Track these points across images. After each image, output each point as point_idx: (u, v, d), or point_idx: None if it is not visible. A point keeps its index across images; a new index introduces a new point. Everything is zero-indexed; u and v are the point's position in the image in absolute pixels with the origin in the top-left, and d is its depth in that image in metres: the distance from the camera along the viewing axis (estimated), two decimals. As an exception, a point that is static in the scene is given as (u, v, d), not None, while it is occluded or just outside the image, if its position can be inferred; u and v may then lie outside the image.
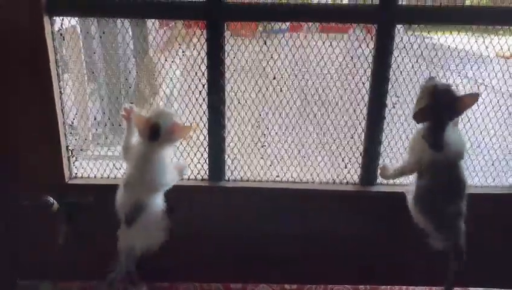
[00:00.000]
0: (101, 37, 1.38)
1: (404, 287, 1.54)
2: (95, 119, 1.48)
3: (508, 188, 1.43)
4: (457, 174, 1.21)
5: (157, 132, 1.17)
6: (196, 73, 1.32)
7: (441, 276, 1.49)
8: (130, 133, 1.23)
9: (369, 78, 1.32)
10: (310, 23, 1.33)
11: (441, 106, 1.15)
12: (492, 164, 1.44)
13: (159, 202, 1.24)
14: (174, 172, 1.25)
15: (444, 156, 1.18)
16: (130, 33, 1.42)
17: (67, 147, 1.37)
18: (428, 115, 1.16)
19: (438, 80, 1.21)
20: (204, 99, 1.34)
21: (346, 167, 1.44)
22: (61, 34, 1.30)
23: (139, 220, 1.20)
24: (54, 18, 1.26)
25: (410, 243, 1.37)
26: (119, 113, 1.43)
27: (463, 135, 1.25)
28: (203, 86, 1.33)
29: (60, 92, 1.31)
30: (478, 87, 1.38)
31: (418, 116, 1.17)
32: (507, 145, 1.42)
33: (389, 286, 1.54)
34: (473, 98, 1.15)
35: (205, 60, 1.30)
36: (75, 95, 1.41)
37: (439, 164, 1.18)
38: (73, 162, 1.41)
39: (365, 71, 1.33)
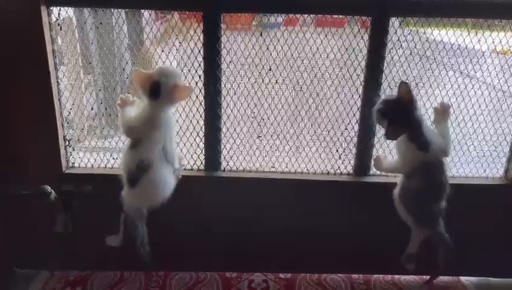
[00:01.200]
0: (98, 28, 1.39)
1: (397, 276, 1.56)
2: (92, 109, 1.48)
3: (499, 179, 1.46)
4: (443, 174, 1.25)
5: (157, 90, 1.17)
6: (193, 64, 1.33)
7: (433, 265, 1.53)
8: (125, 114, 1.24)
9: (363, 70, 1.34)
10: (305, 17, 1.34)
11: (396, 114, 1.19)
12: (484, 156, 1.46)
13: (162, 160, 1.24)
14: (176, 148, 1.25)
15: (432, 155, 1.22)
16: (126, 24, 1.42)
17: (64, 137, 1.38)
18: (395, 129, 1.20)
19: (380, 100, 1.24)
20: (200, 90, 1.35)
21: (340, 158, 1.46)
22: (58, 24, 1.31)
23: (142, 180, 1.20)
24: (51, 8, 1.26)
25: (403, 233, 1.40)
26: (115, 105, 1.44)
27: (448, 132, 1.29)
28: (200, 76, 1.34)
29: (57, 82, 1.32)
30: (471, 81, 1.41)
31: (390, 136, 1.22)
32: (498, 138, 1.45)
33: (381, 275, 1.56)
34: (407, 88, 1.18)
35: (202, 51, 1.31)
36: (71, 87, 1.42)
37: (429, 164, 1.22)
38: (71, 153, 1.42)
39: (359, 63, 1.35)
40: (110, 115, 1.50)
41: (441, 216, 1.28)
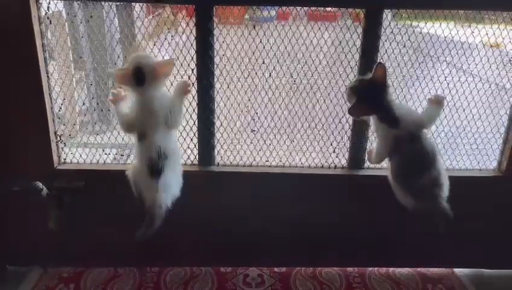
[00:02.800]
0: (88, 21, 1.37)
1: (391, 269, 1.57)
2: (83, 104, 1.47)
3: (492, 171, 1.47)
4: (421, 144, 1.23)
5: (141, 75, 1.15)
6: (185, 58, 1.32)
7: (427, 258, 1.54)
8: (120, 112, 1.23)
9: (357, 63, 1.33)
10: (298, 10, 1.33)
11: (365, 93, 1.21)
12: (477, 148, 1.47)
13: (176, 145, 1.25)
14: (178, 101, 1.23)
15: (404, 129, 1.21)
16: (117, 18, 1.40)
17: (55, 132, 1.36)
18: (360, 108, 1.21)
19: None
20: (193, 84, 1.33)
21: (334, 151, 1.45)
22: (47, 18, 1.29)
23: (166, 168, 1.18)
24: (40, 1, 1.24)
25: (397, 225, 1.40)
26: (107, 100, 1.42)
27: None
28: (192, 70, 1.33)
29: (48, 76, 1.30)
30: (464, 74, 1.41)
31: (352, 113, 1.23)
32: (491, 130, 1.45)
33: (376, 268, 1.57)
34: (382, 70, 1.19)
35: (194, 45, 1.30)
36: (62, 81, 1.40)
37: (402, 138, 1.21)
38: (62, 148, 1.40)
39: (353, 56, 1.34)
40: (102, 110, 1.49)
41: (437, 187, 1.25)
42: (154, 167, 1.18)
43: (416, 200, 1.27)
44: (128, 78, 1.16)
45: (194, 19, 1.27)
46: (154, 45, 1.35)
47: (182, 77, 1.34)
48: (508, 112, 1.41)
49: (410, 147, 1.23)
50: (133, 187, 1.24)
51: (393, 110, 1.21)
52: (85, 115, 1.64)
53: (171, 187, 1.22)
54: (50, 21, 1.30)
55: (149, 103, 1.18)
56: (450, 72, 1.40)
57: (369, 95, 1.21)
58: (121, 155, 1.47)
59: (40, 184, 1.27)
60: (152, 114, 1.18)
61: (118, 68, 1.18)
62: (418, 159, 1.24)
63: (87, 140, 1.64)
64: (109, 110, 1.49)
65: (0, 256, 1.45)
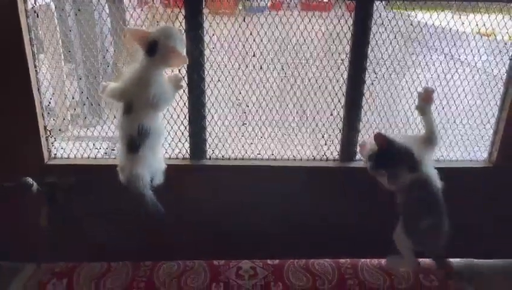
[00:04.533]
0: (76, 14, 1.35)
1: (383, 260, 1.58)
2: (73, 98, 1.45)
3: (483, 162, 1.47)
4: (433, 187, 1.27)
5: (155, 47, 1.14)
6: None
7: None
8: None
9: (348, 55, 1.33)
10: (290, 1, 1.32)
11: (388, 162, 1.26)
12: (468, 139, 1.47)
13: (161, 124, 1.24)
14: (170, 89, 1.22)
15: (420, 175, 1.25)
16: (107, 10, 1.39)
17: (45, 127, 1.35)
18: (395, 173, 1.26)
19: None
20: (183, 77, 1.32)
21: (326, 144, 1.45)
22: (35, 11, 1.27)
23: (144, 145, 1.19)
24: (27, -6, 1.22)
25: (389, 217, 1.41)
26: (97, 93, 1.41)
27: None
28: (182, 64, 1.31)
29: (36, 71, 1.29)
30: (455, 64, 1.41)
31: (395, 179, 1.26)
32: (482, 120, 1.46)
33: (368, 259, 1.58)
34: (382, 138, 1.24)
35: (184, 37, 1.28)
36: (52, 75, 1.39)
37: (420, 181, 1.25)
38: (52, 143, 1.39)
39: (344, 48, 1.33)
40: (92, 104, 1.47)
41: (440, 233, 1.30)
42: (133, 142, 1.18)
43: (419, 245, 1.32)
44: (144, 42, 1.15)
45: (183, 11, 1.26)
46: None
47: (172, 70, 1.33)
48: (498, 103, 1.42)
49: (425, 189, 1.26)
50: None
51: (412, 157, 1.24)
52: (75, 109, 1.63)
53: (149, 164, 1.22)
54: (37, 14, 1.28)
55: (147, 77, 1.16)
56: (441, 62, 1.40)
57: (391, 160, 1.24)
58: (112, 149, 1.46)
59: (30, 180, 1.26)
60: (145, 88, 1.16)
61: (137, 28, 1.17)
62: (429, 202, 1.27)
63: (78, 134, 1.63)
64: (99, 105, 1.48)
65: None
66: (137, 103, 1.17)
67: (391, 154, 1.24)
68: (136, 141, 1.18)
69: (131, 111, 1.17)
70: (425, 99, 1.29)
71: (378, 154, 1.25)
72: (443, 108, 1.42)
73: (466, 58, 1.40)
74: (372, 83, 1.38)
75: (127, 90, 1.18)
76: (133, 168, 1.20)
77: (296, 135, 1.46)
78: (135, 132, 1.17)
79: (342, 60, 1.34)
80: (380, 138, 1.23)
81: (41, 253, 1.47)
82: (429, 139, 1.28)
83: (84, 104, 1.56)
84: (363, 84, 1.36)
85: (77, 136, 1.60)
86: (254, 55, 1.34)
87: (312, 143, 1.46)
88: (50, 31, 1.41)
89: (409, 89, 1.40)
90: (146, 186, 1.23)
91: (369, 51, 1.32)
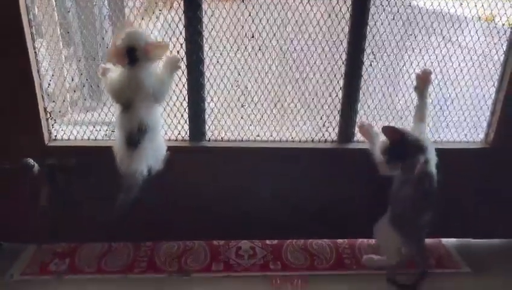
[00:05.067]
0: (74, -5, 1.35)
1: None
2: (72, 80, 1.45)
3: (480, 142, 1.49)
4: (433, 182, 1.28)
5: (134, 54, 1.16)
6: (174, 32, 1.31)
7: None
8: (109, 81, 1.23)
9: (346, 36, 1.33)
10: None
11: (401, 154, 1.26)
12: (465, 120, 1.48)
13: (159, 116, 1.26)
14: (167, 78, 1.24)
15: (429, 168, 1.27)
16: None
17: (45, 108, 1.36)
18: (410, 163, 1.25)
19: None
20: (182, 59, 1.33)
21: (324, 125, 1.46)
22: (33, -8, 1.26)
23: (144, 140, 1.21)
24: (25, -25, 1.22)
25: (386, 198, 1.43)
26: (97, 76, 1.41)
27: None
28: (181, 45, 1.32)
29: (35, 52, 1.29)
30: (453, 46, 1.41)
31: (411, 169, 1.24)
32: (479, 102, 1.47)
33: (366, 240, 1.60)
34: (390, 130, 1.25)
35: (183, 19, 1.28)
36: (50, 57, 1.38)
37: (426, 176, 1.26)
38: (53, 125, 1.40)
39: (343, 29, 1.34)
40: (91, 86, 1.47)
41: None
42: (133, 138, 1.20)
43: (409, 243, 1.35)
44: (121, 56, 1.16)
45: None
46: (142, 19, 1.33)
47: (171, 52, 1.33)
48: (495, 84, 1.43)
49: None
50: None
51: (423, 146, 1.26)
52: (75, 91, 1.62)
53: (147, 158, 1.25)
54: (35, -5, 1.28)
55: (139, 80, 1.18)
56: (439, 43, 1.41)
57: (404, 152, 1.25)
58: (112, 131, 1.47)
59: (31, 161, 1.28)
60: (140, 89, 1.19)
61: (108, 52, 1.19)
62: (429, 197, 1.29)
63: (78, 117, 1.63)
64: (98, 86, 1.47)
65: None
66: (135, 100, 1.19)
67: (404, 146, 1.24)
68: (135, 136, 1.20)
69: (130, 108, 1.20)
70: (423, 81, 1.30)
71: (391, 147, 1.25)
72: (440, 89, 1.43)
73: (465, 42, 1.40)
74: (371, 64, 1.38)
75: (124, 92, 1.20)
76: (132, 163, 1.23)
77: (295, 117, 1.47)
78: (135, 129, 1.20)
79: (340, 41, 1.34)
80: (388, 131, 1.24)
81: (42, 234, 1.49)
82: (420, 119, 1.30)
83: (83, 86, 1.55)
84: (362, 65, 1.36)
85: (77, 119, 1.60)
86: (253, 37, 1.34)
87: (311, 124, 1.47)
88: (48, 13, 1.40)
89: (407, 70, 1.41)
90: (139, 182, 1.26)
91: (367, 32, 1.32)
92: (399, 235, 1.33)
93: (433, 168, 1.27)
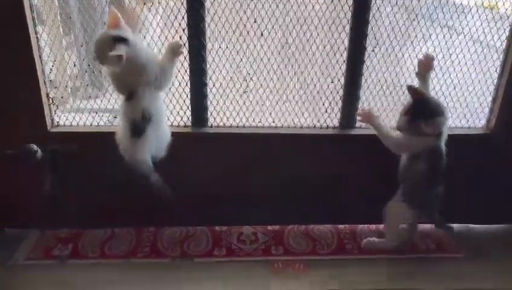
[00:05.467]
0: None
1: (382, 225, 1.61)
2: (74, 65, 1.45)
3: (481, 129, 1.49)
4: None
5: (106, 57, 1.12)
6: (176, 17, 1.30)
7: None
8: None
9: (349, 21, 1.33)
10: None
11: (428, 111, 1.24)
12: (467, 106, 1.49)
13: (162, 104, 1.27)
14: (168, 64, 1.22)
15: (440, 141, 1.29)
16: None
17: (47, 94, 1.36)
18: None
19: None
20: (184, 44, 1.32)
21: (326, 111, 1.46)
22: (34, -23, 1.26)
23: (148, 129, 1.21)
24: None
25: (387, 183, 1.44)
26: (95, 65, 1.41)
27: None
28: (183, 30, 1.31)
29: (37, 37, 1.29)
30: (455, 32, 1.41)
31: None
32: (481, 88, 1.47)
33: (367, 225, 1.61)
34: (414, 89, 1.25)
35: (185, 4, 1.28)
36: (52, 43, 1.38)
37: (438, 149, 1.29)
38: (55, 111, 1.40)
39: (346, 14, 1.33)
40: (93, 72, 1.47)
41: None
42: (137, 127, 1.20)
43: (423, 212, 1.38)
44: (109, 57, 1.11)
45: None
46: (144, 4, 1.33)
47: (173, 37, 1.33)
48: (497, 70, 1.43)
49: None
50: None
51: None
52: (76, 77, 1.62)
53: (152, 144, 1.25)
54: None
55: (133, 62, 1.15)
56: (442, 29, 1.40)
57: (420, 112, 1.24)
58: (114, 117, 1.47)
59: (34, 146, 1.28)
60: (144, 73, 1.18)
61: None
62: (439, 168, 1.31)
63: (79, 105, 1.63)
64: (100, 72, 1.47)
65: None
66: (138, 89, 1.19)
67: (427, 104, 1.24)
68: (139, 125, 1.20)
69: (133, 97, 1.19)
70: (425, 66, 1.30)
71: (415, 105, 1.24)
72: (443, 76, 1.43)
73: (466, 27, 1.40)
74: (373, 50, 1.38)
75: (127, 82, 1.19)
76: (136, 153, 1.24)
77: (297, 103, 1.47)
78: (139, 117, 1.20)
79: (343, 26, 1.34)
80: (413, 90, 1.24)
81: (45, 220, 1.50)
82: None
83: (85, 72, 1.55)
84: (364, 51, 1.36)
85: (78, 108, 1.60)
86: (255, 22, 1.33)
87: (313, 111, 1.47)
88: (48, 1, 1.39)
89: (409, 56, 1.40)
90: (151, 169, 1.27)
91: (370, 17, 1.31)
92: (414, 210, 1.36)
93: (443, 142, 1.30)
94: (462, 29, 1.40)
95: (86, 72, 1.49)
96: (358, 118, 1.39)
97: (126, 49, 1.12)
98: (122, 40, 1.13)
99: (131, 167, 1.26)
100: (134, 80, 1.19)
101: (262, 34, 1.36)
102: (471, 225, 1.63)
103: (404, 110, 1.26)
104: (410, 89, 1.24)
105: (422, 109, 1.23)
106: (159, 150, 1.29)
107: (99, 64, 1.19)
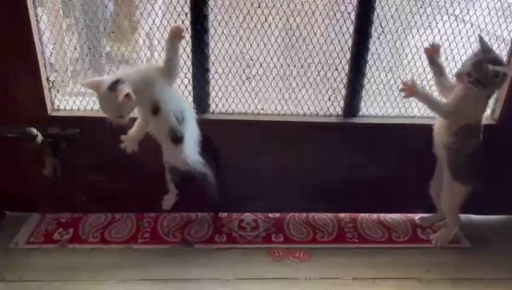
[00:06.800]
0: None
1: (382, 214, 1.61)
2: (75, 49, 1.43)
3: (486, 119, 1.47)
4: None
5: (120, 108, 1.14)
6: (178, 1, 1.28)
7: (417, 204, 1.57)
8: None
9: (355, 7, 1.30)
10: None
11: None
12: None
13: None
14: (172, 51, 1.19)
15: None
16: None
17: (47, 78, 1.34)
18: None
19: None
20: (187, 29, 1.30)
21: (330, 99, 1.45)
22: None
23: (185, 132, 1.25)
24: None
25: (389, 173, 1.43)
26: (97, 49, 1.39)
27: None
28: (186, 14, 1.29)
29: (37, 20, 1.26)
30: (463, 21, 1.39)
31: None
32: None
33: (367, 214, 1.61)
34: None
35: (188, -13, 1.26)
36: (52, 26, 1.36)
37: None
38: (55, 95, 1.39)
39: (351, 0, 1.31)
40: (94, 56, 1.45)
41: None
42: (175, 133, 1.23)
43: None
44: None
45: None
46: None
47: (175, 22, 1.31)
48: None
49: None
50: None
51: None
52: (77, 60, 1.60)
53: (191, 146, 1.30)
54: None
55: (141, 81, 1.16)
56: (449, 17, 1.38)
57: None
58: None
59: (34, 130, 1.27)
60: (151, 87, 1.18)
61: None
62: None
63: (79, 89, 1.61)
64: (102, 56, 1.45)
65: (-1, 202, 1.47)
66: (160, 100, 1.19)
67: (495, 53, 1.25)
68: (177, 131, 1.23)
69: (159, 110, 1.20)
70: (432, 55, 1.29)
71: (483, 49, 1.23)
72: (448, 65, 1.41)
73: (474, 15, 1.37)
74: (379, 38, 1.36)
75: (146, 103, 1.19)
76: (186, 156, 1.29)
77: (300, 90, 1.45)
78: (174, 124, 1.22)
79: (348, 13, 1.31)
80: (481, 38, 1.24)
81: (46, 204, 1.50)
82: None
83: (86, 56, 1.53)
84: (369, 38, 1.34)
85: (78, 92, 1.58)
86: (259, 7, 1.31)
87: (316, 98, 1.45)
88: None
89: (415, 44, 1.38)
90: (204, 165, 1.33)
91: (376, 4, 1.29)
92: (467, 186, 1.36)
93: None
94: (470, 18, 1.37)
95: (86, 55, 1.47)
96: (402, 93, 1.30)
97: (126, 85, 1.12)
98: (116, 82, 1.12)
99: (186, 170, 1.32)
100: (150, 96, 1.18)
101: (266, 20, 1.34)
102: (472, 216, 1.62)
103: (471, 56, 1.25)
104: (478, 37, 1.24)
105: (490, 54, 1.22)
106: (196, 145, 1.32)
107: (124, 119, 1.18)
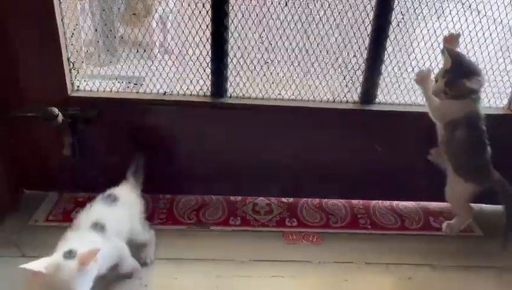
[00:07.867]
0: None
1: (395, 202, 1.62)
2: (90, 29, 1.43)
3: (503, 109, 1.48)
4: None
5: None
6: (200, -16, 1.28)
7: (430, 192, 1.58)
8: None
9: (373, -6, 1.30)
10: None
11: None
12: (489, 85, 1.47)
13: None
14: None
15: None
16: None
17: (68, 59, 1.35)
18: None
19: None
20: (208, 12, 1.31)
21: (347, 86, 1.45)
22: None
23: None
24: None
25: (403, 160, 1.44)
26: (111, 31, 1.39)
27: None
28: (206, -2, 1.29)
29: (60, 1, 1.27)
30: (477, 10, 1.38)
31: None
32: (505, 67, 1.45)
33: (380, 201, 1.62)
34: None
35: (209, -29, 1.26)
36: (65, 11, 1.36)
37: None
38: (75, 75, 1.40)
39: (371, -14, 1.31)
40: (107, 37, 1.45)
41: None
42: None
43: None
44: None
45: None
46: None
47: (196, 4, 1.31)
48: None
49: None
50: None
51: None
52: (90, 42, 1.61)
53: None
54: None
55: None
56: (463, 6, 1.38)
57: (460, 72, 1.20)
58: (135, 84, 1.47)
59: (56, 110, 1.28)
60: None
61: None
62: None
63: (92, 72, 1.62)
64: (115, 38, 1.46)
65: (17, 180, 1.49)
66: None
67: (467, 62, 1.22)
68: None
69: None
70: (451, 44, 1.28)
71: (455, 65, 1.19)
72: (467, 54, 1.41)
73: (485, 8, 1.37)
74: (398, 25, 1.35)
75: None
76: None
77: (318, 76, 1.45)
78: None
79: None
80: (450, 50, 1.21)
81: (64, 183, 1.52)
82: None
83: (98, 41, 1.54)
84: (389, 25, 1.34)
85: (91, 74, 1.59)
86: (279, -10, 1.31)
87: (333, 84, 1.46)
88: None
89: (435, 32, 1.38)
90: None
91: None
92: (471, 183, 1.33)
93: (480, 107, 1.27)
94: (485, 10, 1.37)
95: (100, 36, 1.48)
96: (414, 77, 1.31)
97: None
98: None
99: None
100: None
101: (286, 4, 1.34)
102: (483, 205, 1.63)
103: (442, 72, 1.22)
104: (447, 49, 1.20)
105: (462, 68, 1.20)
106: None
107: None
